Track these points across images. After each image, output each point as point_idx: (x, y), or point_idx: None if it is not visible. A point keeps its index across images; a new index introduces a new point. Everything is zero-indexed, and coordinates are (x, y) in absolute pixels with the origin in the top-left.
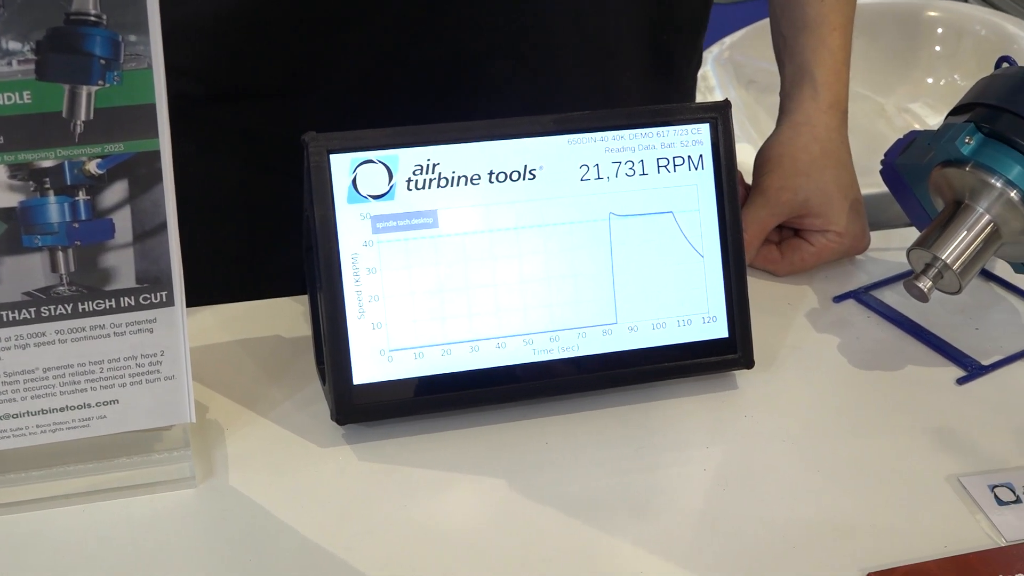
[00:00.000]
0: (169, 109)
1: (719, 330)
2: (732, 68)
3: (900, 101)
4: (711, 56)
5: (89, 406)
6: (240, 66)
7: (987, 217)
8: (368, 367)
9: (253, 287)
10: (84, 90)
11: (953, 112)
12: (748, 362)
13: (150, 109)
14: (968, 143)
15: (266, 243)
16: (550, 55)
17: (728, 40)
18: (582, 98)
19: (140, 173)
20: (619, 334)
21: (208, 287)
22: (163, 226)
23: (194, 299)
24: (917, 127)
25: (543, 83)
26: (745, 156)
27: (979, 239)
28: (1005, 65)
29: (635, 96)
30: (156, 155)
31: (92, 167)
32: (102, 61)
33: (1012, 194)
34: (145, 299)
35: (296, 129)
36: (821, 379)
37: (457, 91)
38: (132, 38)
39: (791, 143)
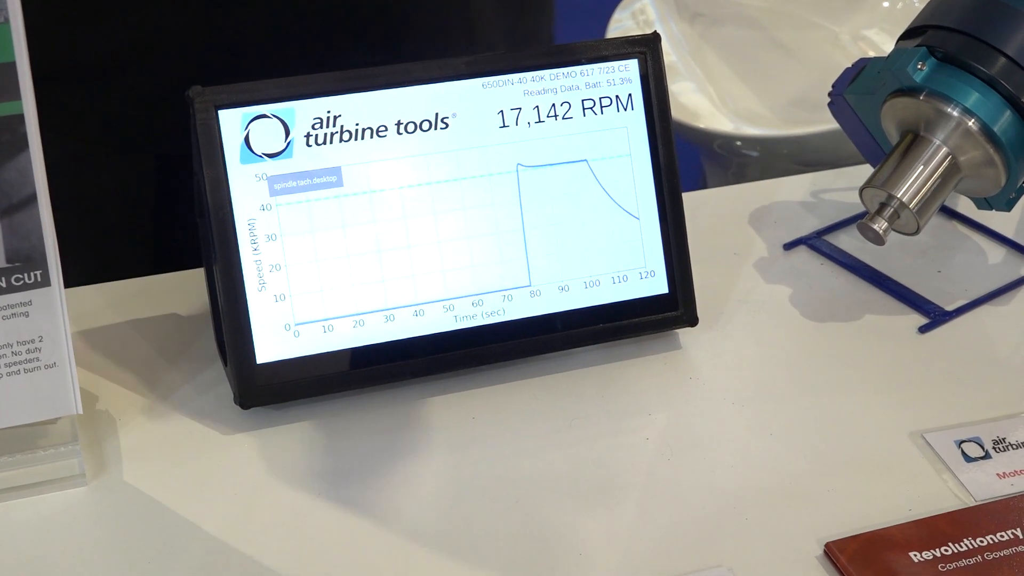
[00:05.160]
0: None
1: (658, 286)
2: (673, 0)
3: (855, 28)
4: None
5: None
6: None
7: (944, 149)
8: (272, 344)
9: (145, 261)
10: None
11: (904, 36)
12: (691, 319)
13: (10, 68)
14: (921, 69)
15: (154, 212)
16: None
17: None
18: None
19: (3, 140)
20: (549, 295)
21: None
22: (33, 198)
23: (77, 278)
24: (873, 55)
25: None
26: (690, 97)
27: (937, 174)
28: None
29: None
30: (20, 119)
31: None
32: None
33: (970, 123)
34: (18, 280)
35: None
36: (772, 334)
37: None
38: None
39: None
